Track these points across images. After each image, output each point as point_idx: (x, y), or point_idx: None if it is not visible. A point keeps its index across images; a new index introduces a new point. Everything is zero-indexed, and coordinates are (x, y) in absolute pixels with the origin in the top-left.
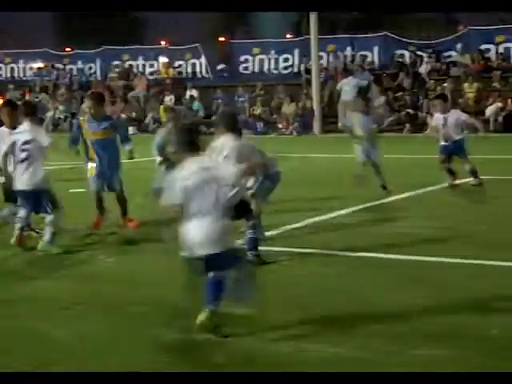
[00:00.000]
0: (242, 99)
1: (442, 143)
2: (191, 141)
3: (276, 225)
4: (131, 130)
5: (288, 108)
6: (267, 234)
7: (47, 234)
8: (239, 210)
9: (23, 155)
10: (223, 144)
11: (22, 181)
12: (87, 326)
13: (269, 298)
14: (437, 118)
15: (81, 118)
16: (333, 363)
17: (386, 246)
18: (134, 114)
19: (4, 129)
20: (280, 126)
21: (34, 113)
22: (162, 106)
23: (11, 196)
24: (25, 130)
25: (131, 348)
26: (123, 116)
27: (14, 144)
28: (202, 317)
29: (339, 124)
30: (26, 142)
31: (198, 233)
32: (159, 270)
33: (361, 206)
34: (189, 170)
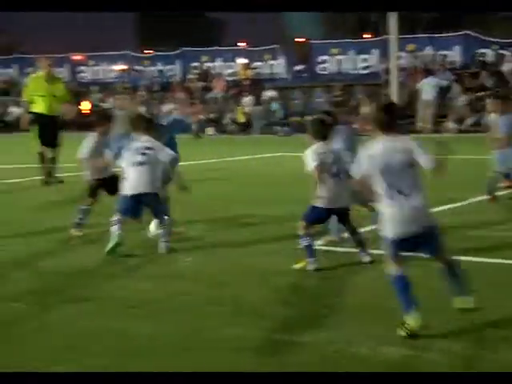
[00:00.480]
0: (320, 100)
1: None
2: (390, 119)
3: None
4: (210, 130)
5: (366, 109)
6: (344, 235)
7: (166, 237)
8: None
9: (141, 158)
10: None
11: (135, 184)
12: (161, 325)
13: (342, 300)
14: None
15: None
16: (403, 364)
17: (461, 249)
18: (211, 115)
19: (92, 136)
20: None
21: (151, 127)
22: (239, 108)
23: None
24: (147, 140)
25: (206, 348)
26: (201, 116)
27: (132, 149)
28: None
29: (419, 124)
30: (147, 148)
31: (400, 212)
32: (236, 270)
33: (436, 209)
34: (387, 149)
